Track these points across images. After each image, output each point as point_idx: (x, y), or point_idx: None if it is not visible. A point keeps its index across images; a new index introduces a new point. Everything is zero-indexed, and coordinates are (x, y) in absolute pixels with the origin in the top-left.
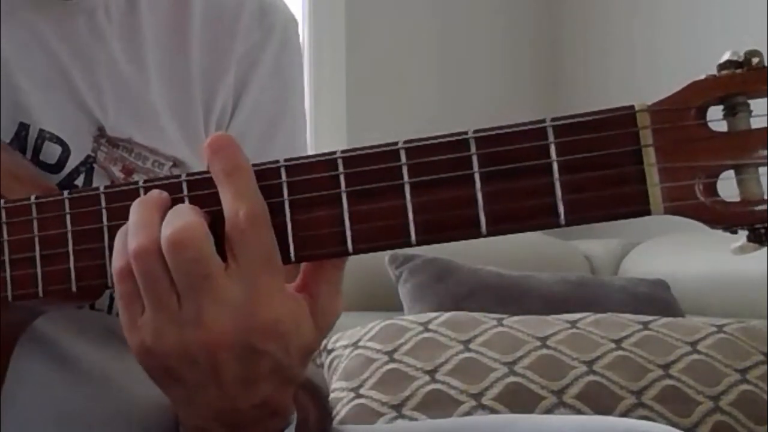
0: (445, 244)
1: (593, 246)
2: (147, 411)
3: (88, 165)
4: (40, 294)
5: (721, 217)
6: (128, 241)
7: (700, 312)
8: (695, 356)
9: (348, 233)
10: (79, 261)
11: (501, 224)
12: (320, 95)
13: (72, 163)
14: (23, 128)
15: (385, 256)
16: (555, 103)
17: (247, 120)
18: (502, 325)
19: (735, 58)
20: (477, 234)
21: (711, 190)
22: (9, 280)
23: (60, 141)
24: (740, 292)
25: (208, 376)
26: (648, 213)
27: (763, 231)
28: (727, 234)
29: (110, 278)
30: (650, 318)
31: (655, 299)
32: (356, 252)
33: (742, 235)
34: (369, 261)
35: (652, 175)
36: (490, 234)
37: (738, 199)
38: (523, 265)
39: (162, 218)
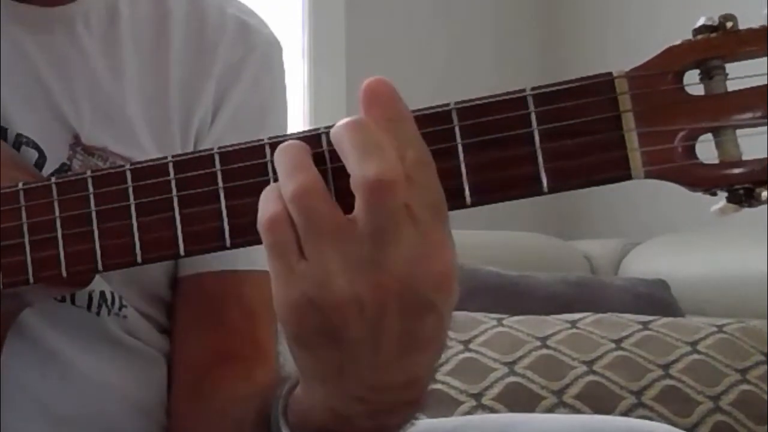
0: None
1: (593, 246)
2: (130, 410)
3: (63, 173)
4: (31, 280)
5: (701, 180)
6: (285, 185)
7: (700, 312)
8: (695, 356)
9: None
10: (68, 246)
11: (484, 194)
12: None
13: (47, 171)
14: (1, 132)
15: None
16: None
17: (224, 131)
18: (502, 325)
19: (710, 23)
20: (462, 204)
21: (690, 153)
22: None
23: (36, 146)
24: (740, 292)
25: (370, 330)
26: (629, 177)
27: (742, 192)
28: (727, 234)
29: (100, 263)
30: (650, 318)
31: (655, 299)
32: None
33: (722, 197)
34: None
35: (632, 140)
36: (474, 204)
37: (717, 162)
38: (523, 265)
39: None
